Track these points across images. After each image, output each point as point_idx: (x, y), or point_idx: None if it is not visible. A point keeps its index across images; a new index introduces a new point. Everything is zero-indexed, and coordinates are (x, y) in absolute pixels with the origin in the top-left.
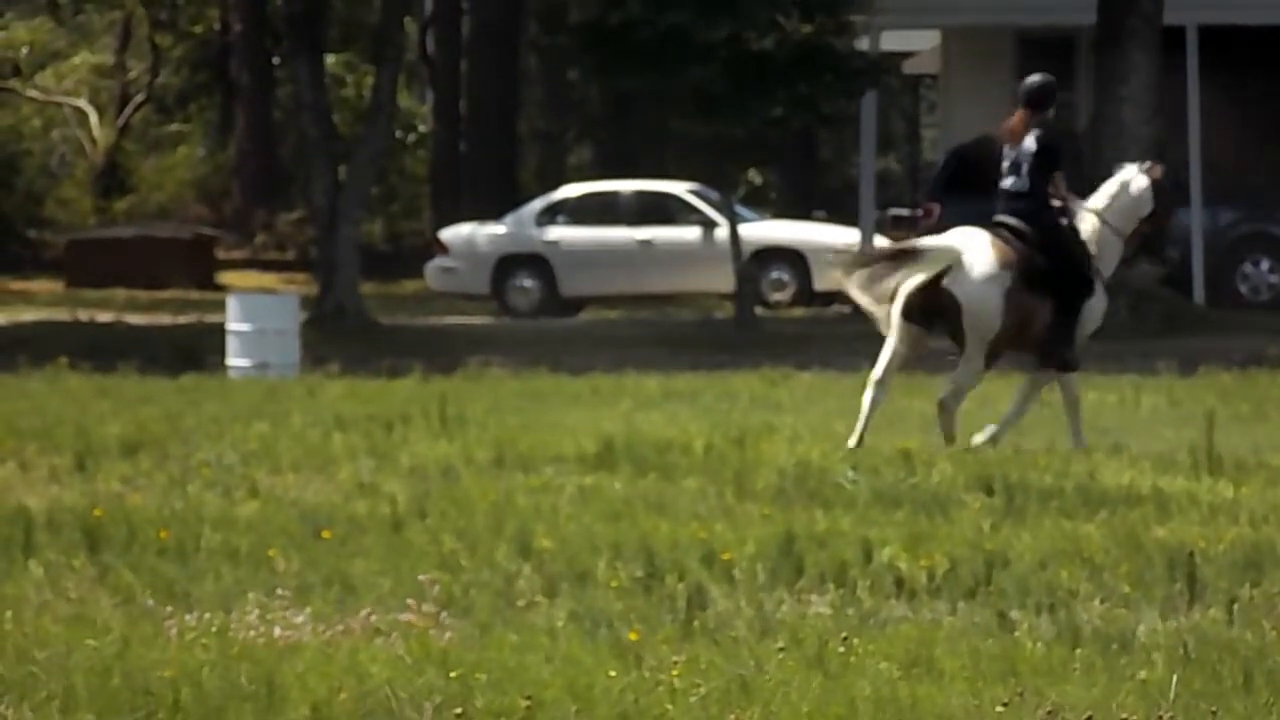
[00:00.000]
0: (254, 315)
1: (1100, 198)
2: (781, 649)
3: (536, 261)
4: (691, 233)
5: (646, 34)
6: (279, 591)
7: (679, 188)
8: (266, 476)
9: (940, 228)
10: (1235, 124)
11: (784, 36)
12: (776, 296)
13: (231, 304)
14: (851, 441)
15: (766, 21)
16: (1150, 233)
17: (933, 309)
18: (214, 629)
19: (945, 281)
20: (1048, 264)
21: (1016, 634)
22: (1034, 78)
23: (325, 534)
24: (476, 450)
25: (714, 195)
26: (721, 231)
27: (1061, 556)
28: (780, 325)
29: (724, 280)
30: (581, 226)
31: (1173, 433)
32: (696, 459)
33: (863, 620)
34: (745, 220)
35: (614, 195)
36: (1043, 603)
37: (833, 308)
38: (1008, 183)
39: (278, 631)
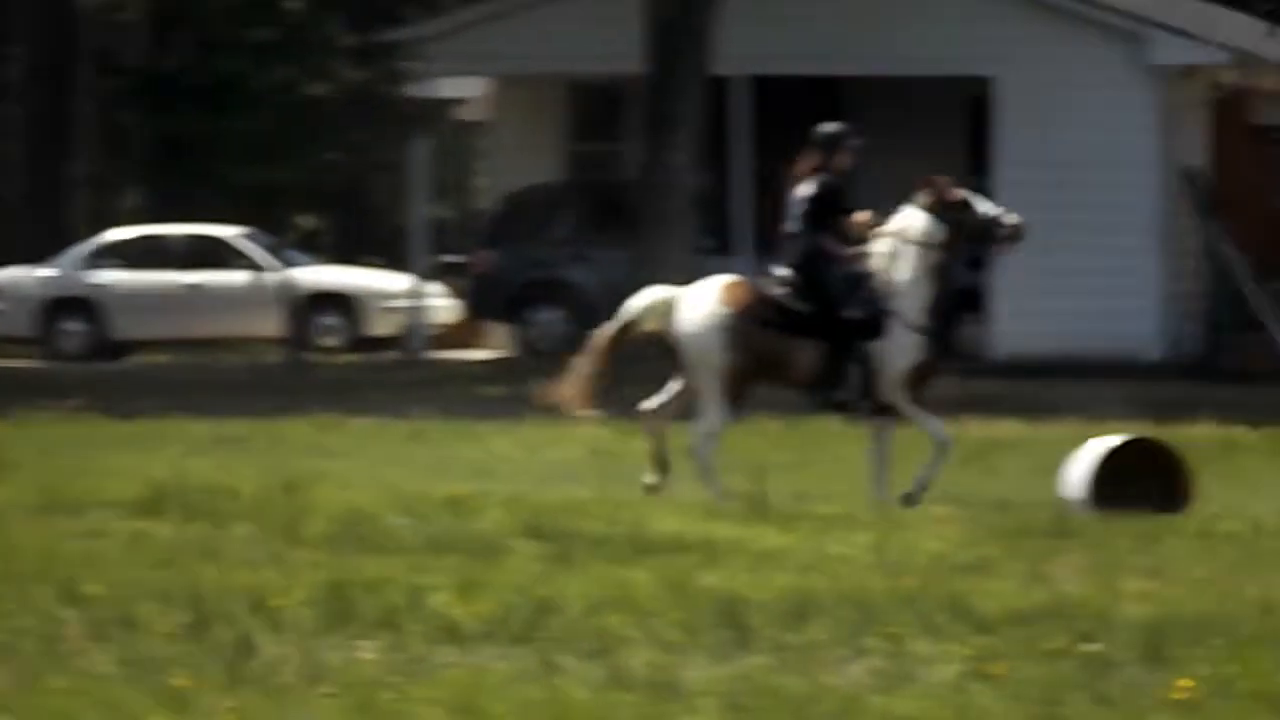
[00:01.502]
0: None
1: (896, 223)
2: (330, 695)
3: (85, 305)
4: (241, 277)
5: (198, 79)
6: None
7: (229, 232)
8: None
9: (493, 275)
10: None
11: (337, 83)
12: (327, 342)
13: None
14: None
15: (318, 68)
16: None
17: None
18: None
19: (670, 324)
20: (809, 307)
21: (564, 679)
22: (826, 126)
23: None
24: (23, 495)
25: (266, 240)
26: (271, 276)
27: (611, 603)
28: (330, 371)
29: (274, 325)
30: (131, 270)
31: (723, 479)
32: (246, 505)
33: (411, 666)
34: (296, 265)
35: (163, 239)
36: (592, 649)
37: (382, 353)
38: (786, 225)
39: None
